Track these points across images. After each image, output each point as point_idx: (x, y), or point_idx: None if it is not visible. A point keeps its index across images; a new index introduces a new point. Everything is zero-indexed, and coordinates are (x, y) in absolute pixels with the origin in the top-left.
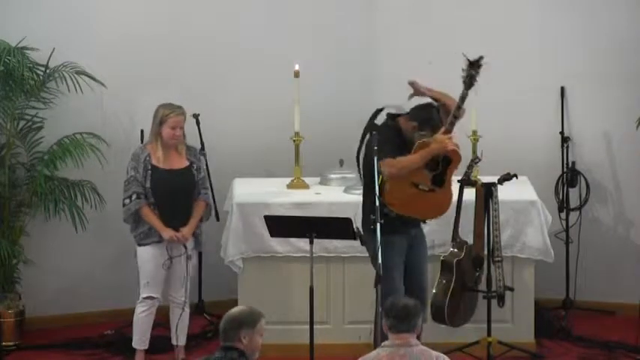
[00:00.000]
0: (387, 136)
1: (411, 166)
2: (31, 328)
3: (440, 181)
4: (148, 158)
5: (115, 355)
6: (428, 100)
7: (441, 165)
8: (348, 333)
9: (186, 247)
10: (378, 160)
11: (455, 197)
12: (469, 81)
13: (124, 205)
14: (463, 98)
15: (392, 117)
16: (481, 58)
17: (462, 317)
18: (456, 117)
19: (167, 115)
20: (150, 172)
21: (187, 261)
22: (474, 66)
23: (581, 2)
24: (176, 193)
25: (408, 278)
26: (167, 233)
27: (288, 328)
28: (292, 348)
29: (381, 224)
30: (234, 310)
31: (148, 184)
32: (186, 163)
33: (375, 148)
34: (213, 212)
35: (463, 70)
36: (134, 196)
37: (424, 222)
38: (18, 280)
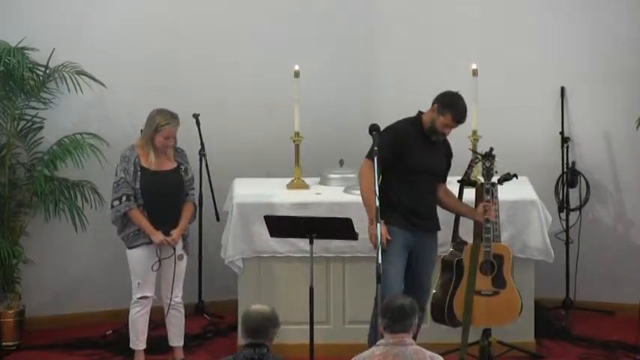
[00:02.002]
0: (394, 133)
1: (364, 188)
2: (31, 328)
3: (501, 282)
4: (137, 160)
5: (116, 355)
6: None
7: (497, 265)
8: (349, 333)
9: (174, 249)
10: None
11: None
12: (487, 173)
13: (112, 206)
14: (488, 190)
15: (421, 113)
16: (491, 149)
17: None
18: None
19: (163, 125)
20: (139, 173)
21: (178, 261)
22: (486, 158)
23: (582, 2)
24: (165, 194)
25: (410, 278)
26: (157, 237)
27: (288, 328)
28: (292, 348)
29: (382, 221)
30: (261, 308)
31: (137, 186)
32: (174, 165)
33: (376, 148)
34: (213, 212)
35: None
36: (124, 198)
37: (439, 229)
38: (18, 280)
